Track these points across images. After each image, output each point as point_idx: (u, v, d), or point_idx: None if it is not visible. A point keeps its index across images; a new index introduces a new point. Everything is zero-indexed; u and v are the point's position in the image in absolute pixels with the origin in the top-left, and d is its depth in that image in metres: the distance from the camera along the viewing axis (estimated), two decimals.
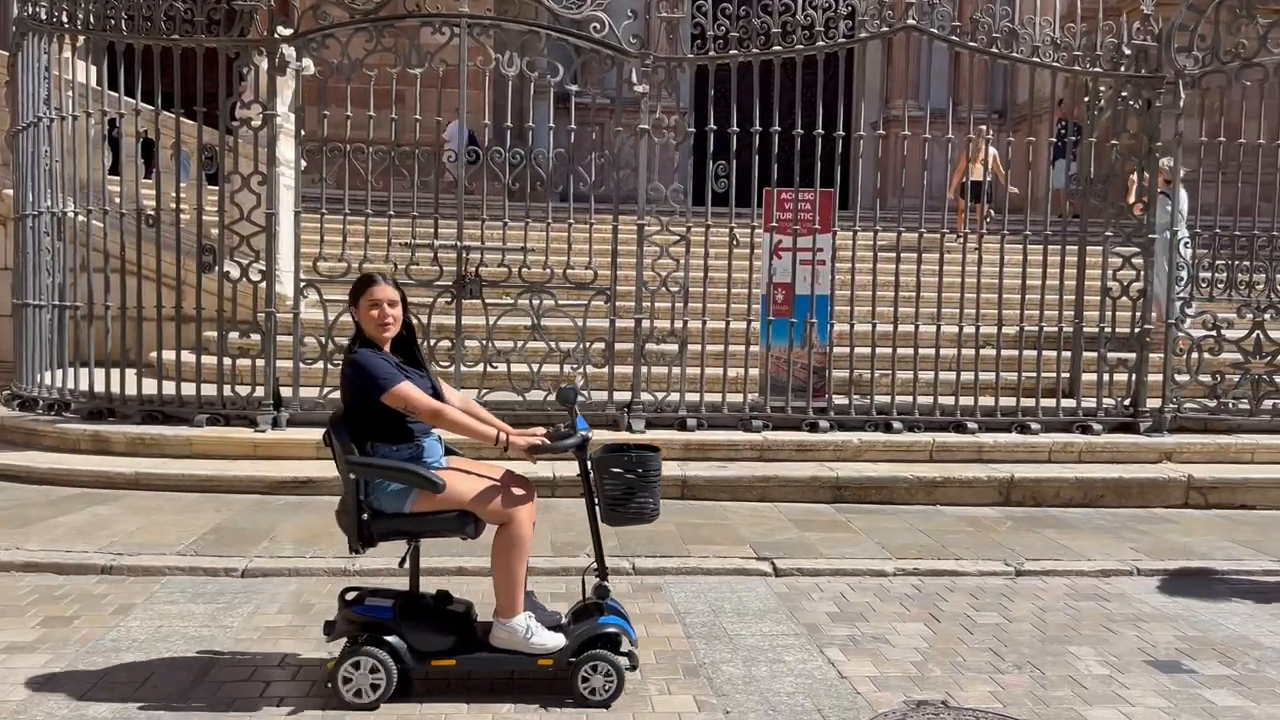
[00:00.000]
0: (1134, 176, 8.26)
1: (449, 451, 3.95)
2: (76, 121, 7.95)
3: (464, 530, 3.73)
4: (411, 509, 3.69)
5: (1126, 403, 8.15)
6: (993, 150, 11.16)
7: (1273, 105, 8.13)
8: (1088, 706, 3.84)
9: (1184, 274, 8.31)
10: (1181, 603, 5.11)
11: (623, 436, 7.31)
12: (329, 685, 3.69)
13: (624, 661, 3.74)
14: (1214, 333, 8.16)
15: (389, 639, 3.65)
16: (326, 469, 6.95)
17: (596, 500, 3.84)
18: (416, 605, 3.83)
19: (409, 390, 3.68)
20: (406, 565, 3.91)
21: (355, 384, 3.70)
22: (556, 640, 3.73)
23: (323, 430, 3.85)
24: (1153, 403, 8.13)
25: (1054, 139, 7.94)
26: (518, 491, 3.74)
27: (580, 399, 3.95)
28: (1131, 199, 8.22)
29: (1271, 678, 4.16)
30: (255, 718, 3.58)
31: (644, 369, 7.82)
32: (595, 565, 3.90)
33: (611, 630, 3.75)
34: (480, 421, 3.84)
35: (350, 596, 3.82)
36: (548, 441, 3.79)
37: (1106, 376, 8.10)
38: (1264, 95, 8.02)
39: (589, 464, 3.84)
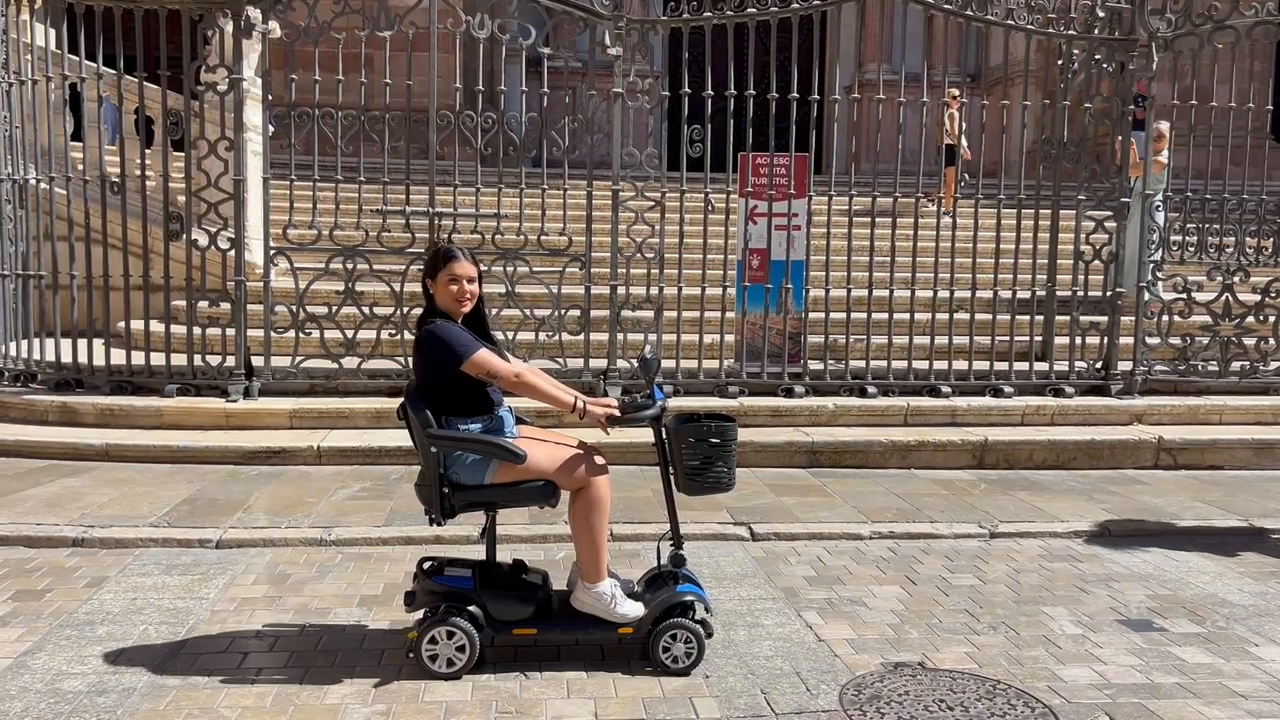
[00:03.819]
0: (1133, 140, 8.31)
1: (518, 420, 3.94)
2: (36, 86, 7.77)
3: (546, 499, 3.74)
4: (492, 480, 3.70)
5: (1098, 366, 8.23)
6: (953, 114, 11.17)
7: (1243, 68, 8.15)
8: (1061, 665, 3.89)
9: (1155, 237, 8.37)
10: (1152, 562, 5.19)
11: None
12: (410, 655, 3.69)
13: (702, 630, 3.76)
14: (1184, 295, 8.24)
15: (471, 608, 3.66)
16: (299, 439, 6.94)
17: (673, 470, 3.84)
18: (494, 574, 3.83)
19: (489, 357, 3.67)
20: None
21: (433, 356, 3.67)
22: (637, 609, 3.74)
23: (398, 403, 3.84)
24: (1124, 365, 8.21)
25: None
26: (598, 460, 3.75)
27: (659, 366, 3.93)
28: (1133, 161, 8.27)
29: (1240, 634, 4.23)
30: (334, 690, 3.55)
31: (620, 336, 7.80)
32: (670, 533, 3.90)
33: (690, 598, 3.77)
34: (558, 389, 3.84)
35: (428, 566, 3.81)
36: (623, 412, 3.79)
37: (1079, 340, 8.17)
38: (1235, 58, 8.04)
39: (666, 433, 3.84)
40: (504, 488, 3.72)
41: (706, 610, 3.84)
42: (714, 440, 3.75)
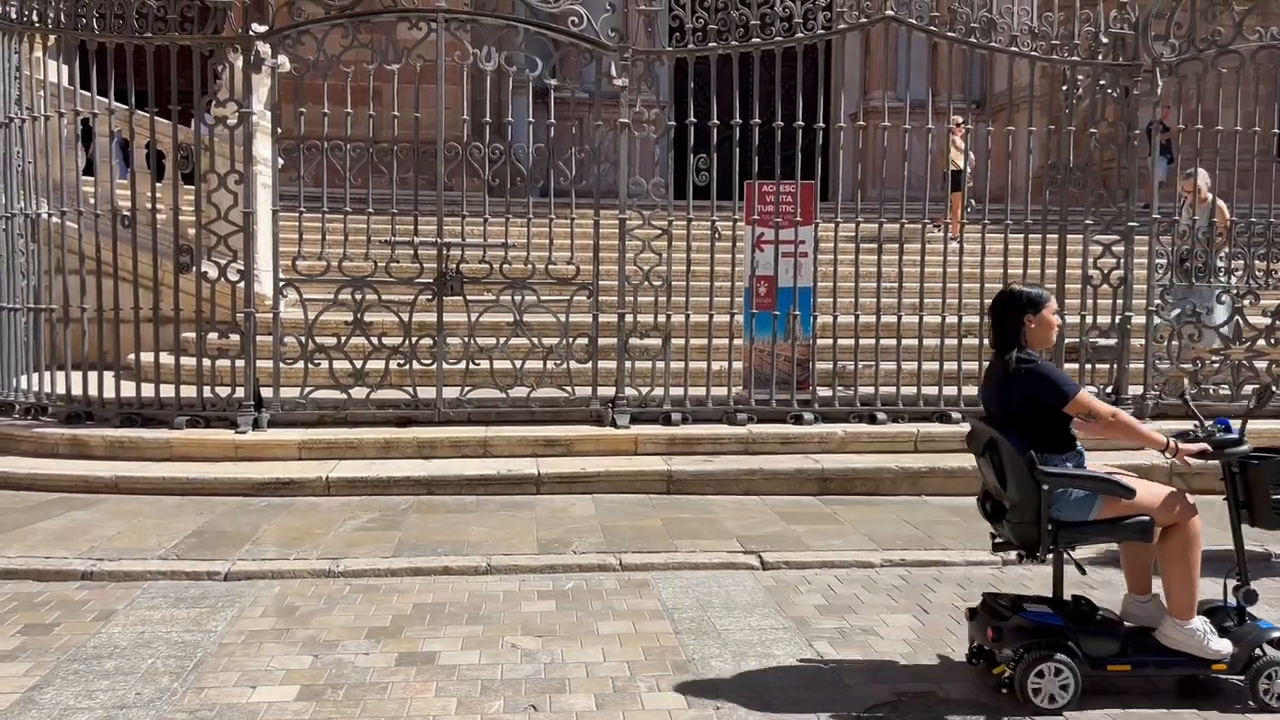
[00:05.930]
0: (1188, 176, 8.42)
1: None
2: (49, 122, 7.86)
3: (1145, 535, 3.77)
4: (1096, 516, 3.73)
5: (1108, 390, 8.18)
6: (957, 140, 11.25)
7: (1249, 91, 8.16)
8: None
9: (1163, 261, 8.35)
10: None
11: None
12: (1003, 691, 3.70)
13: None
14: (1194, 319, 8.20)
15: (1069, 644, 3.68)
16: (308, 470, 6.94)
17: (1245, 503, 3.85)
18: (1066, 611, 3.87)
19: (1090, 397, 3.78)
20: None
21: (1036, 392, 3.74)
22: (1227, 646, 3.73)
23: (980, 440, 3.98)
24: (1134, 390, 8.16)
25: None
26: (1189, 499, 3.79)
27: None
28: (1195, 203, 8.37)
29: None
30: None
31: (628, 363, 7.80)
32: (1237, 569, 3.88)
33: (1278, 635, 3.77)
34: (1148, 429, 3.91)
35: (1005, 603, 3.86)
36: (1215, 447, 3.81)
37: (1088, 365, 8.13)
38: (1240, 82, 8.06)
39: (1240, 468, 3.84)
40: (1106, 524, 3.76)
41: None
42: None
